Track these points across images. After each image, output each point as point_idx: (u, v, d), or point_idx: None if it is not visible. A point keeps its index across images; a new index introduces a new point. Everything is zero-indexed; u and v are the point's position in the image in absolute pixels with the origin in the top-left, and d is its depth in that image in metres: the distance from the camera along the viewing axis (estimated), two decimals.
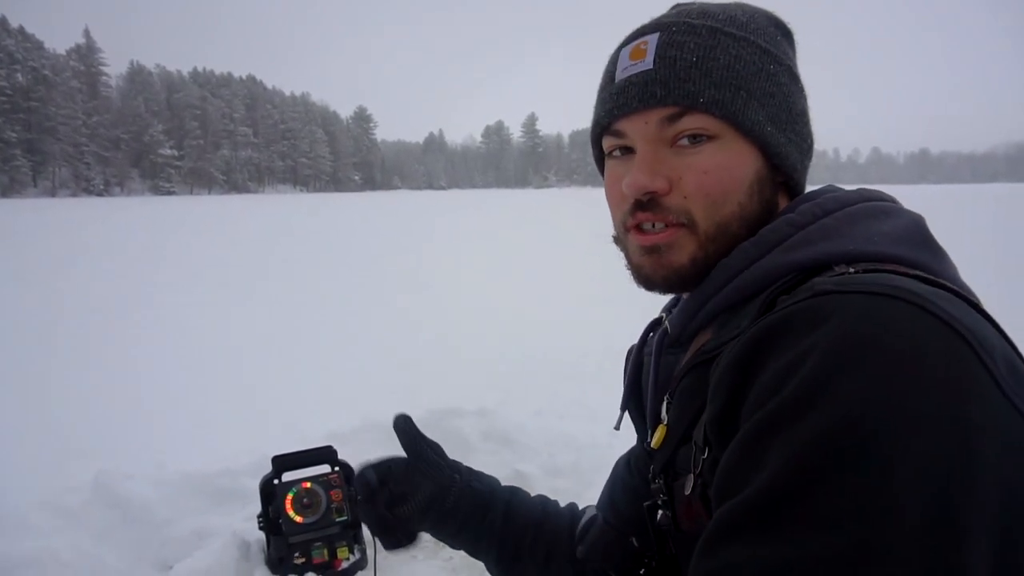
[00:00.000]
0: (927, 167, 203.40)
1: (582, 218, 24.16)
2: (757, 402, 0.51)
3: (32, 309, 6.93)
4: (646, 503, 0.76)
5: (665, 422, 0.74)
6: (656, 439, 0.75)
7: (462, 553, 2.32)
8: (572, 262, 10.54)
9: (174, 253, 13.08)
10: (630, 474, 1.04)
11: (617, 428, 0.94)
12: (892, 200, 0.71)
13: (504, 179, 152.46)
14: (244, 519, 2.32)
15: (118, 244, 14.85)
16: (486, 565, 1.03)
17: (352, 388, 4.07)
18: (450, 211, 30.76)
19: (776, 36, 0.76)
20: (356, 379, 4.35)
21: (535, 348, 5.30)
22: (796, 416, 0.46)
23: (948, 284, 0.56)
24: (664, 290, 0.76)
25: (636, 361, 0.87)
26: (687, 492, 0.64)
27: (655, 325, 0.86)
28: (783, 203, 0.76)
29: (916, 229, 0.65)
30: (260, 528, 2.14)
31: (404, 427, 1.02)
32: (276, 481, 2.16)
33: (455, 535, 1.00)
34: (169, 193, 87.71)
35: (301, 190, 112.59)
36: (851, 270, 0.58)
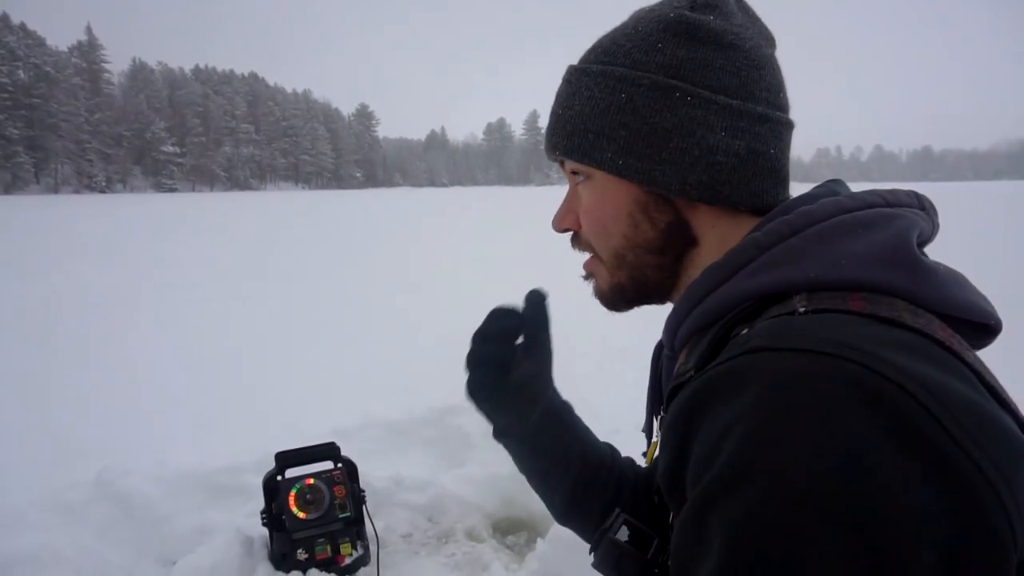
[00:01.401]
0: (929, 165, 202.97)
1: None
2: (694, 477, 0.51)
3: (34, 307, 6.94)
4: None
5: (656, 440, 0.75)
6: (649, 455, 0.75)
7: (464, 549, 2.33)
8: (572, 261, 10.48)
9: (175, 251, 13.08)
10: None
11: (645, 431, 0.89)
12: (902, 203, 0.65)
13: (506, 176, 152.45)
14: (247, 515, 2.33)
15: (119, 242, 14.86)
16: (553, 494, 0.92)
17: (353, 386, 4.07)
18: (451, 209, 30.74)
19: (655, 45, 0.71)
20: (357, 377, 4.35)
21: None
22: (726, 496, 0.46)
23: (907, 322, 0.52)
24: (613, 310, 0.81)
25: (652, 364, 0.86)
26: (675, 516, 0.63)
27: None
28: (723, 215, 0.72)
29: (896, 245, 0.59)
30: (263, 524, 2.15)
31: (536, 302, 0.89)
32: (279, 477, 2.16)
33: (541, 435, 0.90)
34: (171, 190, 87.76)
35: (303, 187, 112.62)
36: (800, 309, 0.55)
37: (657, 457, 0.73)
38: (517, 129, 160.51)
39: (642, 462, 1.14)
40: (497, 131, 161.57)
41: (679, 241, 0.73)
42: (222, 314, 6.71)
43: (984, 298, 0.62)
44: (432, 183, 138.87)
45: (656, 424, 0.76)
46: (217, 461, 2.58)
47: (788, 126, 0.74)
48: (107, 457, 2.56)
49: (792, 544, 0.43)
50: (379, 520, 2.27)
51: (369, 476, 2.33)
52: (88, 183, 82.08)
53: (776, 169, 0.72)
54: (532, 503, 2.52)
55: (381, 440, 2.86)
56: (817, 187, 0.73)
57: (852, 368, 0.46)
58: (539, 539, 2.24)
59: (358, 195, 60.34)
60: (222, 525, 2.26)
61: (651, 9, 0.76)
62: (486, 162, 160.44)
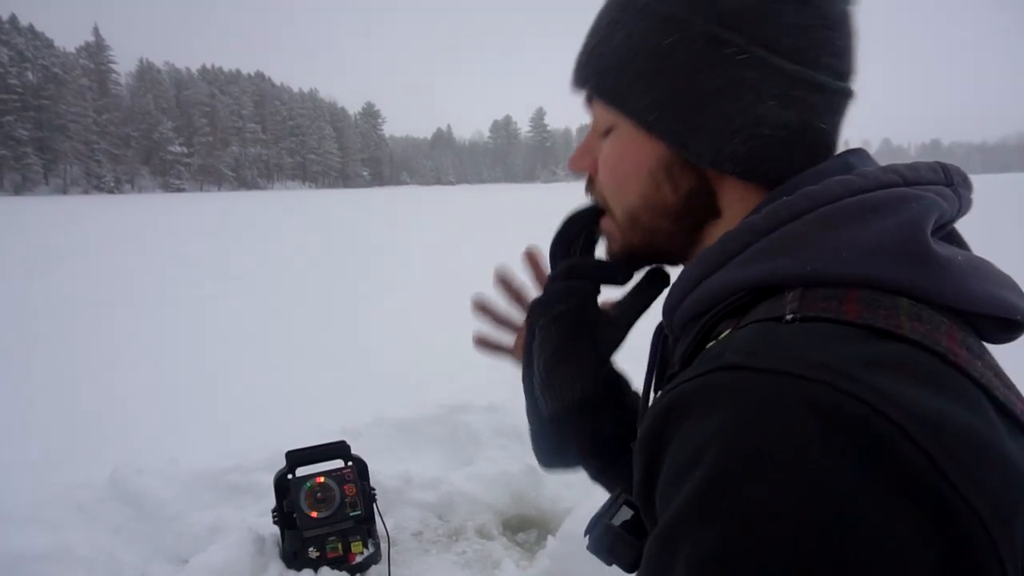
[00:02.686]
0: (938, 158, 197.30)
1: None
2: (661, 502, 0.48)
3: (46, 307, 6.98)
4: None
5: None
6: None
7: (475, 547, 2.33)
8: None
9: (187, 250, 13.13)
10: None
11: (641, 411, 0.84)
12: (923, 180, 0.58)
13: (512, 174, 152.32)
14: (258, 514, 2.34)
15: (131, 241, 14.93)
16: (601, 456, 0.83)
17: (363, 384, 4.08)
18: (459, 206, 30.75)
19: None
20: (367, 375, 4.36)
21: None
22: (688, 534, 0.43)
23: (905, 334, 0.47)
24: (629, 271, 0.75)
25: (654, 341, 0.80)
26: None
27: None
28: (754, 191, 0.64)
29: (907, 235, 0.52)
30: (274, 523, 2.16)
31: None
32: (290, 476, 2.17)
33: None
34: (179, 190, 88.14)
35: (310, 186, 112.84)
36: (788, 317, 0.49)
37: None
38: (523, 127, 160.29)
39: None
40: (503, 129, 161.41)
41: (700, 211, 0.66)
42: (233, 314, 6.74)
43: (1013, 288, 0.55)
44: (439, 181, 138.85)
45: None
46: (228, 460, 2.59)
47: (847, 96, 0.64)
48: (120, 457, 2.58)
49: None
50: (389, 518, 2.28)
51: (379, 474, 2.34)
52: (97, 184, 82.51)
53: (823, 144, 0.63)
54: (542, 500, 2.52)
55: (391, 438, 2.87)
56: (830, 160, 0.64)
57: (832, 396, 0.42)
58: (549, 536, 2.24)
59: (365, 194, 60.42)
60: (234, 524, 2.27)
61: None
62: (492, 160, 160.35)
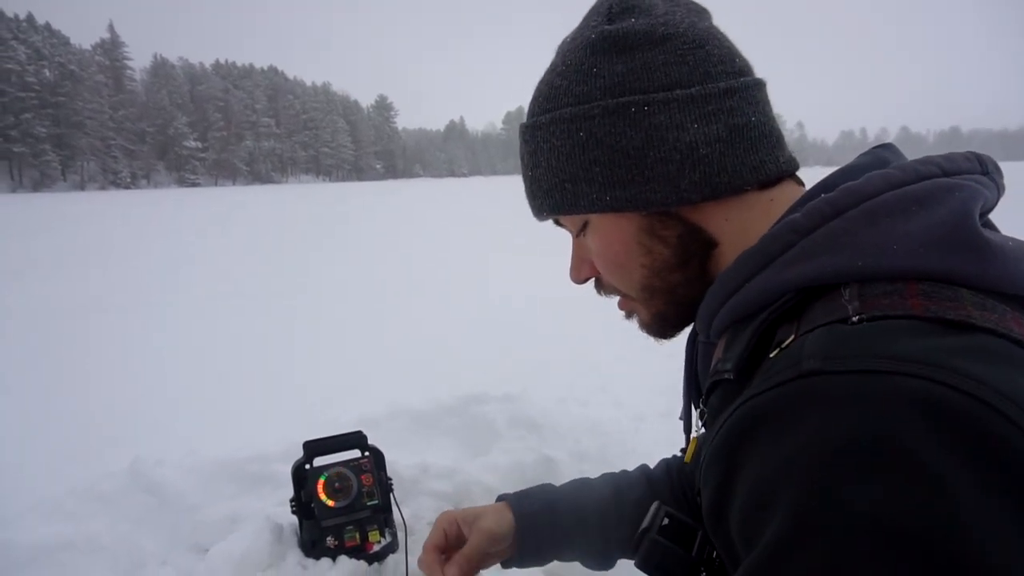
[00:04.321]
0: (957, 146, 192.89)
1: None
2: (743, 524, 0.46)
3: (65, 302, 7.07)
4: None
5: (696, 435, 0.71)
6: (689, 453, 0.73)
7: None
8: None
9: (204, 244, 13.24)
10: (669, 477, 1.04)
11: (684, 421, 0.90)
12: (961, 170, 0.58)
13: None
14: (276, 504, 2.36)
15: (147, 236, 15.06)
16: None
17: (380, 375, 4.11)
18: (473, 198, 30.79)
19: (590, 71, 0.68)
20: (383, 366, 4.39)
21: (557, 335, 5.30)
22: (790, 559, 0.41)
23: (975, 322, 0.45)
24: (664, 338, 0.80)
25: (688, 352, 0.82)
26: None
27: None
28: (731, 205, 0.67)
29: (956, 223, 0.51)
30: (292, 512, 2.18)
31: None
32: (308, 466, 2.19)
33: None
34: (194, 185, 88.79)
35: (324, 179, 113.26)
36: (854, 319, 0.48)
37: (698, 456, 0.70)
38: None
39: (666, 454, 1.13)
40: (516, 120, 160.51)
41: (697, 248, 0.70)
42: (250, 305, 6.79)
43: None
44: (452, 173, 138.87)
45: (696, 416, 0.73)
46: (247, 451, 2.61)
47: (758, 86, 0.69)
48: (139, 448, 2.61)
49: None
50: (406, 508, 2.29)
51: (395, 464, 2.35)
52: (113, 179, 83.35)
53: (766, 133, 0.67)
54: None
55: (406, 429, 2.88)
56: (862, 155, 0.66)
57: (923, 386, 0.40)
58: None
59: (379, 186, 60.56)
60: (252, 513, 2.29)
61: (573, 38, 0.72)
62: (506, 151, 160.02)
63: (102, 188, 78.92)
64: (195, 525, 2.33)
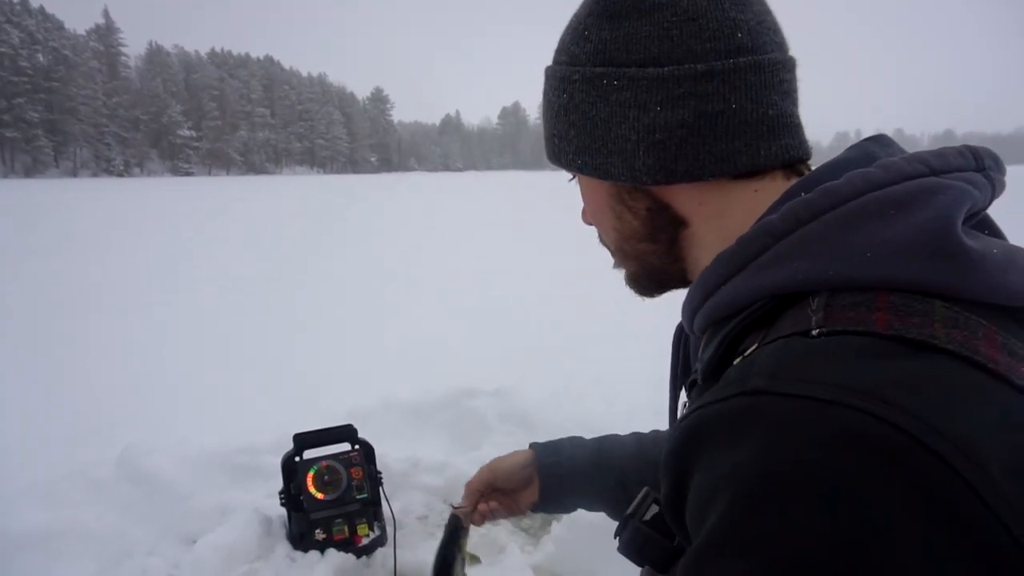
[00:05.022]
0: None
1: None
2: (692, 524, 0.48)
3: (56, 290, 7.03)
4: None
5: None
6: None
7: (480, 531, 2.35)
8: (586, 244, 10.50)
9: (196, 233, 13.19)
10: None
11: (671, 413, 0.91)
12: (950, 167, 0.54)
13: (521, 161, 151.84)
14: (265, 495, 2.36)
15: (140, 224, 14.99)
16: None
17: (371, 368, 4.11)
18: (467, 192, 30.77)
19: (583, 34, 0.67)
20: (375, 359, 4.39)
21: (550, 330, 5.31)
22: (716, 563, 0.42)
23: (938, 343, 0.44)
24: (644, 296, 0.80)
25: (675, 342, 0.83)
26: None
27: None
28: (708, 189, 0.66)
29: (936, 229, 0.49)
30: (282, 504, 2.18)
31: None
32: (297, 459, 2.19)
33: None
34: (187, 174, 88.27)
35: (318, 171, 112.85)
36: (814, 332, 0.48)
37: None
38: (532, 113, 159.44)
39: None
40: (512, 115, 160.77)
41: (666, 225, 0.69)
42: (242, 296, 6.78)
43: None
44: (447, 167, 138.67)
45: (680, 408, 0.74)
46: (237, 442, 2.61)
47: (755, 68, 0.63)
48: (130, 437, 2.61)
49: None
50: (395, 501, 2.29)
51: (386, 458, 2.36)
52: (106, 167, 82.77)
53: (751, 122, 0.63)
54: None
55: (397, 422, 2.89)
56: (850, 148, 0.64)
57: (858, 418, 0.40)
58: (554, 522, 2.25)
59: (374, 179, 60.37)
60: (242, 504, 2.29)
61: None
62: (501, 146, 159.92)
63: (94, 175, 78.36)
64: (184, 515, 2.33)
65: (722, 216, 0.65)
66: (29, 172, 74.33)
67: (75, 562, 1.96)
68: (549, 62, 0.75)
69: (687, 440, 0.49)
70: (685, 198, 0.67)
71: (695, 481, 0.48)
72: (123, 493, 2.37)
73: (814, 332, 0.47)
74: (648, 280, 0.77)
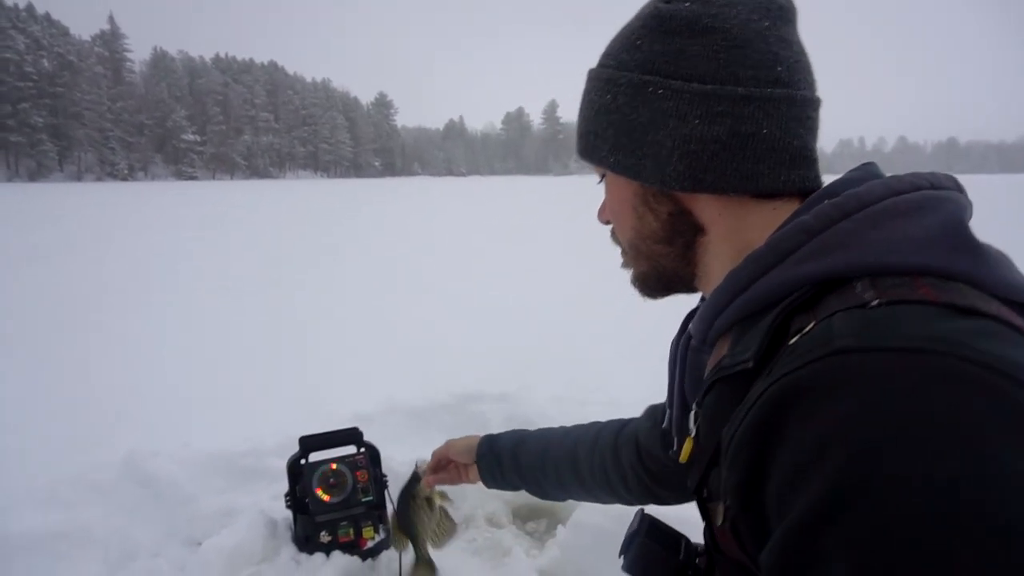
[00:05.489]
0: (954, 156, 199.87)
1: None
2: (780, 501, 0.48)
3: (58, 290, 7.05)
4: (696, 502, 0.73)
5: (692, 435, 0.72)
6: (684, 453, 0.74)
7: (485, 535, 2.34)
8: (590, 248, 10.52)
9: (199, 236, 13.21)
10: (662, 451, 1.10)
11: (665, 426, 0.95)
12: (944, 186, 0.62)
13: (524, 166, 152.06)
14: (270, 498, 2.35)
15: (142, 228, 15.02)
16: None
17: (376, 372, 4.11)
18: (470, 198, 30.80)
19: (635, 43, 0.73)
20: (380, 363, 4.39)
21: (553, 334, 5.31)
22: (842, 515, 0.43)
23: (981, 308, 0.50)
24: (648, 297, 0.84)
25: (673, 356, 0.86)
26: (719, 523, 0.62)
27: (689, 318, 0.84)
28: (730, 203, 0.70)
29: (952, 228, 0.56)
30: (287, 507, 2.17)
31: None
32: (303, 461, 2.18)
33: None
34: (191, 178, 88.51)
35: (322, 176, 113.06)
36: (873, 302, 0.51)
37: (694, 455, 0.72)
38: (536, 119, 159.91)
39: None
40: (516, 120, 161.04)
41: (684, 230, 0.74)
42: (245, 299, 6.79)
43: None
44: (450, 172, 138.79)
45: (691, 419, 0.75)
46: (241, 445, 2.61)
47: (789, 101, 0.69)
48: (133, 440, 2.61)
49: (927, 559, 0.39)
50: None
51: (390, 461, 2.35)
52: (110, 171, 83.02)
53: (776, 148, 0.68)
54: None
55: (401, 426, 2.89)
56: (853, 171, 0.70)
57: (953, 363, 0.43)
58: (560, 526, 2.25)
59: (377, 183, 60.44)
60: (246, 507, 2.29)
61: (644, 4, 0.77)
62: (504, 151, 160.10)
63: (99, 179, 78.61)
64: (189, 518, 2.32)
65: (739, 229, 0.71)
66: (33, 176, 74.56)
67: (80, 564, 1.96)
68: (597, 64, 0.80)
69: (771, 411, 0.50)
70: (707, 207, 0.72)
71: (782, 452, 0.49)
72: (127, 496, 2.36)
73: (873, 303, 0.52)
74: (656, 281, 0.81)
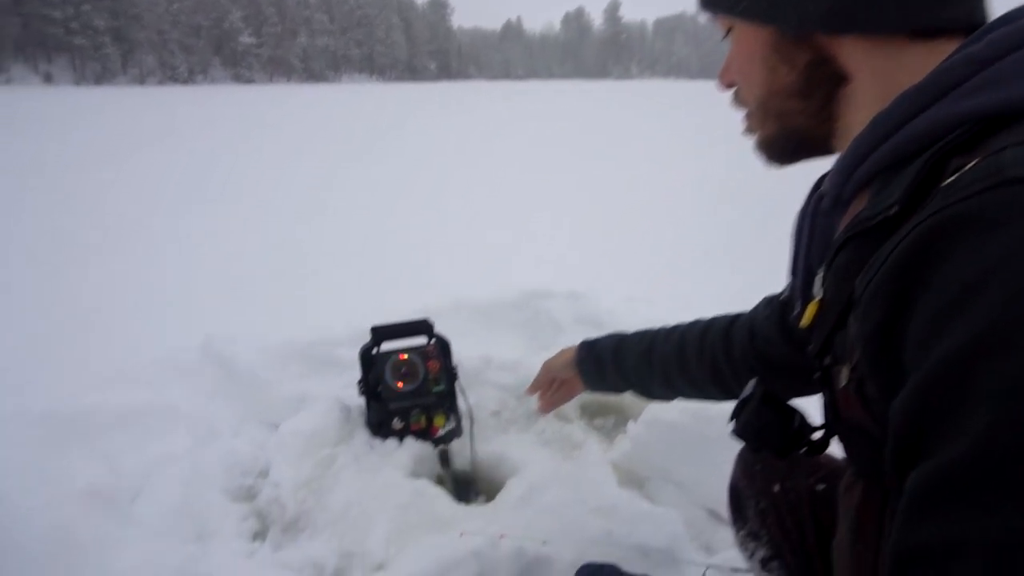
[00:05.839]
0: None
1: (676, 110, 23.18)
2: (931, 332, 0.43)
3: (143, 185, 7.23)
4: (815, 376, 0.70)
5: (817, 298, 0.67)
6: (806, 316, 0.69)
7: (553, 428, 2.35)
8: (666, 151, 10.22)
9: (276, 133, 13.33)
10: (780, 334, 1.04)
11: (784, 299, 0.97)
12: None
13: (583, 70, 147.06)
14: (343, 386, 2.40)
15: (219, 125, 15.19)
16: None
17: (443, 268, 4.10)
18: (532, 98, 30.05)
19: None
20: (449, 258, 4.38)
21: (627, 233, 5.21)
22: (995, 356, 0.38)
23: None
24: (773, 165, 0.78)
25: (800, 225, 0.80)
26: (842, 384, 0.58)
27: (819, 184, 0.77)
28: (879, 45, 0.62)
29: None
30: (360, 394, 2.21)
31: None
32: (375, 350, 2.21)
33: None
34: (249, 81, 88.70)
35: (377, 79, 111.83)
36: None
37: (818, 319, 0.67)
38: (596, 19, 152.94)
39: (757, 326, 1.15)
40: (575, 21, 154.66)
41: (824, 80, 0.66)
42: (320, 195, 6.86)
43: None
44: (507, 75, 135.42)
45: (817, 282, 0.69)
46: (313, 334, 2.65)
47: None
48: (211, 326, 2.67)
49: None
50: (469, 397, 2.30)
51: (459, 355, 2.35)
52: (171, 74, 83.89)
53: None
54: None
55: (470, 321, 2.88)
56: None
57: None
58: (630, 421, 2.23)
59: (434, 87, 59.47)
60: (320, 394, 2.34)
61: None
62: (563, 54, 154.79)
63: (160, 83, 79.52)
64: (266, 402, 2.40)
65: (890, 75, 0.61)
66: (99, 79, 75.95)
67: (168, 438, 2.04)
68: None
69: (923, 244, 0.46)
70: (853, 52, 0.63)
71: (937, 285, 0.44)
72: (207, 379, 2.45)
73: None
74: (786, 142, 0.74)
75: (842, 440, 0.67)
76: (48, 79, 72.10)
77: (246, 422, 2.34)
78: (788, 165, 0.77)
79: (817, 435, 0.78)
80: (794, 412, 0.80)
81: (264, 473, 2.09)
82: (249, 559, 1.71)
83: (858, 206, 0.64)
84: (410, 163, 9.48)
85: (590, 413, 2.51)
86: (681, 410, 1.98)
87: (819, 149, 0.73)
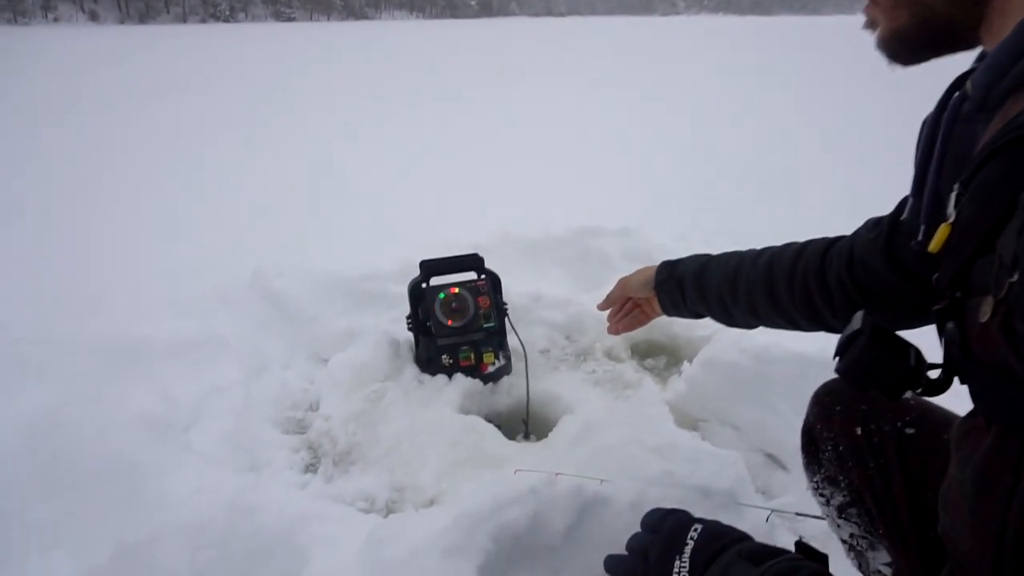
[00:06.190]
0: None
1: (745, 48, 22.31)
2: None
3: (192, 121, 7.23)
4: (935, 308, 0.61)
5: (950, 220, 0.58)
6: (936, 240, 0.60)
7: (604, 367, 2.28)
8: (717, 88, 9.85)
9: (325, 68, 13.24)
10: (885, 257, 0.95)
11: (899, 216, 0.87)
12: None
13: (627, 5, 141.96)
14: (391, 321, 2.38)
15: (267, 63, 15.11)
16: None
17: (491, 203, 4.02)
18: (575, 36, 29.18)
19: None
20: (498, 193, 4.30)
21: (679, 171, 5.06)
22: None
23: None
24: (898, 63, 0.67)
25: (930, 136, 0.69)
26: (983, 319, 0.50)
27: (957, 86, 0.65)
28: None
29: None
30: (409, 329, 2.18)
31: None
32: (424, 285, 2.16)
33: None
34: (290, 19, 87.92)
35: (417, 16, 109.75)
36: None
37: (949, 243, 0.59)
38: None
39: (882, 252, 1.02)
40: None
41: None
42: (371, 131, 6.80)
43: None
44: (549, 12, 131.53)
45: (951, 202, 0.59)
46: (361, 269, 2.62)
47: None
48: (260, 259, 2.66)
49: None
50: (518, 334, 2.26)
51: (508, 292, 2.29)
52: (213, 12, 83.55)
53: None
54: (673, 327, 2.43)
55: (519, 258, 2.81)
56: None
57: None
58: (685, 362, 2.17)
59: (478, 24, 58.13)
60: (369, 328, 2.32)
61: None
62: None
63: (202, 21, 79.41)
64: (315, 336, 2.38)
65: None
66: (143, 18, 76.11)
67: (219, 368, 2.05)
68: None
69: None
70: None
71: None
72: (257, 311, 2.44)
73: None
74: (918, 34, 0.63)
75: (969, 381, 0.58)
76: (94, 17, 72.58)
77: (295, 355, 2.34)
78: (916, 63, 0.66)
79: (934, 374, 0.69)
80: (909, 347, 0.69)
81: (314, 407, 2.09)
82: (302, 490, 1.71)
83: (1013, 108, 0.54)
84: (457, 100, 9.32)
85: (640, 353, 2.44)
86: (741, 350, 1.90)
87: (959, 42, 0.62)
